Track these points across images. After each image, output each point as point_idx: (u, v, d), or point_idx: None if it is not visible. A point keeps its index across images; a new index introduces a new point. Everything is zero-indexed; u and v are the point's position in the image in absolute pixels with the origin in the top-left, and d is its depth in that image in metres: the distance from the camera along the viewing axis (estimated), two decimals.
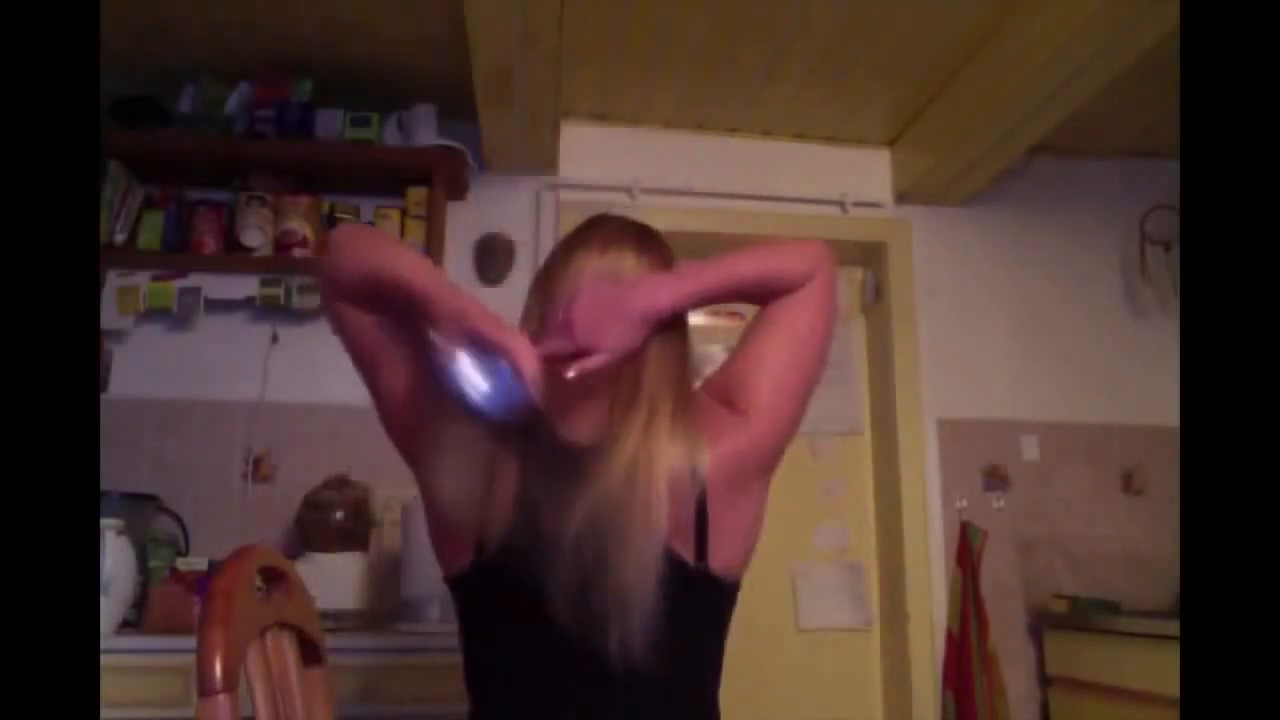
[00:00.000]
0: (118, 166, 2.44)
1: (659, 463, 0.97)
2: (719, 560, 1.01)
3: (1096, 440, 2.83)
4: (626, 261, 1.07)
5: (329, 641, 1.20)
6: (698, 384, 1.11)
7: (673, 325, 1.05)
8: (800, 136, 2.90)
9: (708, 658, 1.06)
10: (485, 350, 0.92)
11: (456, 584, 1.06)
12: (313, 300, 2.49)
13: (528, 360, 0.91)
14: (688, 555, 0.98)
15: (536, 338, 1.02)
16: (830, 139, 2.91)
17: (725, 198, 2.79)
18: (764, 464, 1.06)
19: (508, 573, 0.99)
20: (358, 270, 1.02)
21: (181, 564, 2.17)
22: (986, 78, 2.39)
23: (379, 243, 1.06)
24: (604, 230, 1.12)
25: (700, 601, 1.01)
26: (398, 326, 1.05)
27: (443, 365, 0.93)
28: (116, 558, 1.98)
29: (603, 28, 2.34)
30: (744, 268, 1.06)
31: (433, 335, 0.97)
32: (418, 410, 1.04)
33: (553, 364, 0.97)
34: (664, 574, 0.94)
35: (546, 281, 1.10)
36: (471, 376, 0.92)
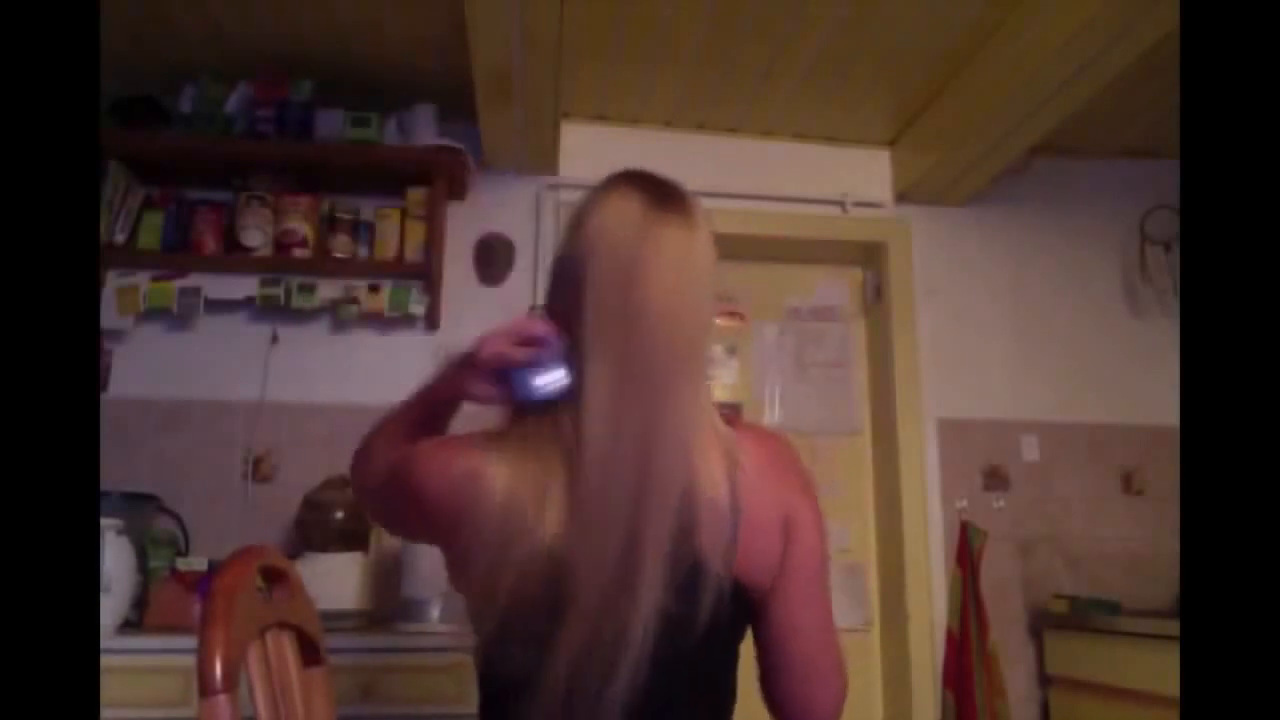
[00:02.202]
0: (118, 166, 2.44)
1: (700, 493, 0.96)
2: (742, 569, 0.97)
3: (1096, 440, 2.83)
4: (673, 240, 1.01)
5: (329, 641, 1.20)
6: None
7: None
8: (800, 136, 2.90)
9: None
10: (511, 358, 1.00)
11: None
12: (313, 300, 2.49)
13: (490, 340, 1.02)
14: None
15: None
16: (830, 139, 2.91)
17: (725, 198, 2.79)
18: None
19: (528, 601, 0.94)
20: (378, 466, 1.13)
21: (181, 564, 2.17)
22: (986, 78, 2.39)
23: (366, 445, 1.20)
24: (646, 196, 1.05)
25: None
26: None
27: (512, 386, 0.99)
28: (116, 558, 1.98)
29: (603, 28, 2.34)
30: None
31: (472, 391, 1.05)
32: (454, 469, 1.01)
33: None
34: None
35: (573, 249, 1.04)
36: (529, 378, 0.98)
